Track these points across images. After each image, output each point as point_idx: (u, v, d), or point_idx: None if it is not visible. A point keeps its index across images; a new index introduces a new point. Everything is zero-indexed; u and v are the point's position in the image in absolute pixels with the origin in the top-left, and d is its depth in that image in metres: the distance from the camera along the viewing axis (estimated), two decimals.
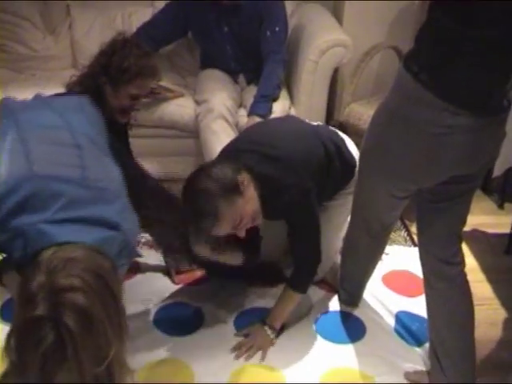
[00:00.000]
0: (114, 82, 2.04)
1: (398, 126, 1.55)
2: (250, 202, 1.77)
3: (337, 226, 2.18)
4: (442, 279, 1.74)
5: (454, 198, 1.67)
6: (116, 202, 1.40)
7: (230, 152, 1.97)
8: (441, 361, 1.77)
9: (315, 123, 2.21)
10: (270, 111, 2.75)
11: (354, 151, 2.09)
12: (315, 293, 2.25)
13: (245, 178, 1.76)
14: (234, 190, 1.73)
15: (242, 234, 1.80)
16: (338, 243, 2.23)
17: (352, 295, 2.20)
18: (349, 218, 2.03)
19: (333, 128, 2.24)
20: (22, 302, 1.15)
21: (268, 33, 2.78)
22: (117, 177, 1.49)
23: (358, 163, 1.88)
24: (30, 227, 1.24)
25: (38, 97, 1.77)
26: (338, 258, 2.20)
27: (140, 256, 1.59)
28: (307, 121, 2.22)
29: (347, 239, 2.06)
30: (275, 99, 2.81)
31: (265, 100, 2.75)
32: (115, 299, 1.21)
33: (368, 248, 2.00)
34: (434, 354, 1.80)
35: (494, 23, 1.34)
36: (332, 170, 2.01)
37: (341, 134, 2.18)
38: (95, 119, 1.69)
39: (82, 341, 1.09)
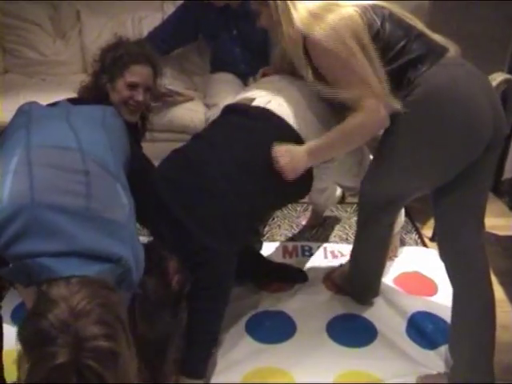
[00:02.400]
0: (110, 76, 2.07)
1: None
2: None
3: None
4: (476, 270, 1.74)
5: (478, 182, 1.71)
6: (121, 232, 1.35)
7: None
8: (474, 356, 1.75)
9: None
10: None
11: None
12: (326, 295, 2.26)
13: None
14: None
15: None
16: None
17: (365, 290, 2.21)
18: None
19: None
20: (37, 338, 1.11)
21: None
22: (126, 204, 1.43)
23: None
24: (31, 261, 1.21)
25: (62, 104, 1.74)
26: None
27: (138, 292, 1.49)
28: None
29: (360, 232, 2.08)
30: None
31: None
32: (126, 331, 1.21)
33: (380, 236, 2.05)
34: (465, 350, 1.77)
35: None
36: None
37: None
38: (116, 133, 1.65)
39: (111, 378, 1.10)
